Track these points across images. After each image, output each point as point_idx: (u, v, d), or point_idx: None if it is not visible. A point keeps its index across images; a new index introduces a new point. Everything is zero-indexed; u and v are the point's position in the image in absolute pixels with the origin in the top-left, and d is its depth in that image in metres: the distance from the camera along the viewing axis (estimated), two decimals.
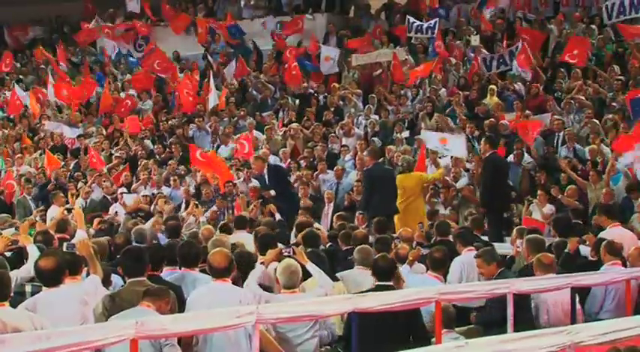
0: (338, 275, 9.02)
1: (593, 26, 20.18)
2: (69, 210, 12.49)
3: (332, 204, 16.37)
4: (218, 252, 7.50)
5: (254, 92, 22.58)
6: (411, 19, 22.09)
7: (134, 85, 23.82)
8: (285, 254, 8.20)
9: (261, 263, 8.29)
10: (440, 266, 9.04)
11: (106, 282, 7.96)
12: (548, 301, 8.39)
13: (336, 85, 21.40)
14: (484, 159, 14.46)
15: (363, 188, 15.07)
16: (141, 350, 5.73)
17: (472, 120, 17.70)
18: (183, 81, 22.65)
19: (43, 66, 26.55)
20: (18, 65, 27.54)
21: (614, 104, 16.73)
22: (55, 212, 15.08)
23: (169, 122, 21.80)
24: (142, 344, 5.99)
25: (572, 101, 17.09)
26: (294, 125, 19.71)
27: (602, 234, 10.40)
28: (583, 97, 17.14)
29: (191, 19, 26.48)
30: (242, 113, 21.23)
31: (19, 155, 20.96)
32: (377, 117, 19.69)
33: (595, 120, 16.13)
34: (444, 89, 20.08)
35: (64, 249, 8.40)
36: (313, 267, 8.23)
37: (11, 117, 23.96)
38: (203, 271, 8.39)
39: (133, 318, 5.76)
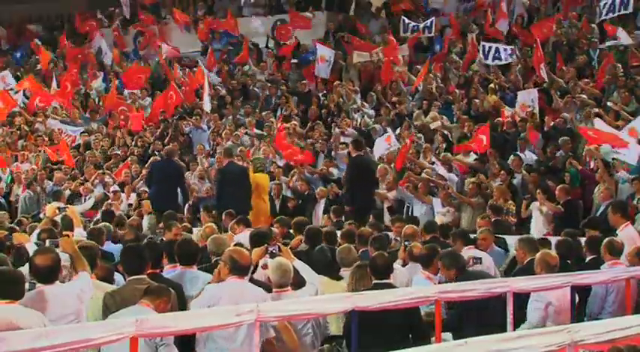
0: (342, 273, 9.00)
1: (593, 25, 20.13)
2: (60, 209, 12.42)
3: (323, 201, 16.48)
4: (242, 250, 7.50)
5: (255, 90, 22.61)
6: (406, 20, 22.12)
7: (125, 84, 23.91)
8: (273, 252, 8.17)
9: None
10: (428, 263, 9.02)
11: (110, 280, 7.94)
12: (552, 301, 8.35)
13: (337, 83, 21.42)
14: (350, 160, 15.17)
15: (215, 186, 15.84)
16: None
17: (471, 118, 17.72)
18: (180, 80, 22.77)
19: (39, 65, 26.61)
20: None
21: (609, 103, 16.64)
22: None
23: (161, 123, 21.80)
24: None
25: (573, 99, 17.03)
26: (291, 123, 19.73)
27: (620, 236, 10.34)
28: (585, 96, 17.08)
29: (190, 17, 26.53)
30: (246, 109, 21.35)
31: (21, 152, 20.98)
32: (372, 112, 19.71)
33: (598, 119, 15.93)
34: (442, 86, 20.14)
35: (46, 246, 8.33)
36: (300, 264, 8.17)
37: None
38: (202, 269, 8.40)
39: (131, 317, 5.73)
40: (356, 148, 14.98)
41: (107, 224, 11.95)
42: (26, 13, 29.99)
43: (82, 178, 19.04)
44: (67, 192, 17.49)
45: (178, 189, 16.28)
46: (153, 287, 6.85)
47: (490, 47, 19.80)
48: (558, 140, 15.66)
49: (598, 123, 14.56)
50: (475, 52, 20.37)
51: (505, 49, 19.53)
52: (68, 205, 14.20)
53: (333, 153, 18.33)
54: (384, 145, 16.83)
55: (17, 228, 11.95)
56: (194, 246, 8.69)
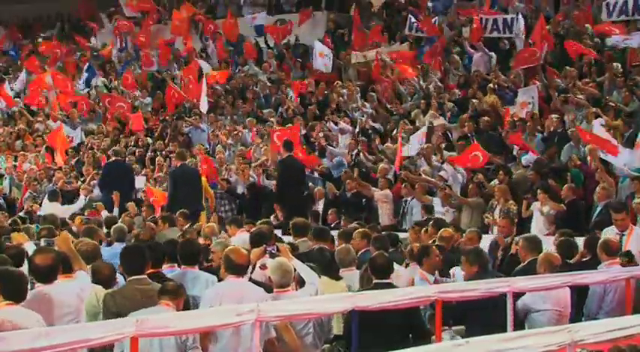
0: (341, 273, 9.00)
1: (587, 25, 20.06)
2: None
3: (322, 201, 16.46)
4: (239, 249, 7.50)
5: (256, 90, 22.62)
6: (412, 19, 22.11)
7: (124, 85, 23.94)
8: (272, 252, 8.17)
9: None
10: (421, 261, 9.01)
11: (111, 281, 7.93)
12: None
13: (338, 83, 21.42)
14: (279, 162, 15.86)
15: (168, 187, 16.11)
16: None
17: (472, 118, 17.71)
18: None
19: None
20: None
21: (610, 103, 16.60)
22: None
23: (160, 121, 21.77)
24: (167, 345, 6.23)
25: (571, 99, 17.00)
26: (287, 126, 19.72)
27: (631, 237, 10.36)
28: (582, 97, 17.02)
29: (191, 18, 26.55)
30: (245, 109, 21.32)
31: (22, 153, 20.99)
32: (372, 111, 19.73)
33: (598, 123, 15.83)
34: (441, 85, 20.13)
35: (42, 245, 8.34)
36: (299, 264, 8.18)
37: (9, 113, 24.05)
38: (203, 269, 8.40)
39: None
40: (286, 149, 15.59)
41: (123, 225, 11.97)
42: (26, 13, 30.01)
43: (82, 179, 19.08)
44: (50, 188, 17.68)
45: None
46: (170, 286, 6.84)
47: (487, 19, 19.69)
48: (555, 141, 15.69)
49: (596, 128, 14.56)
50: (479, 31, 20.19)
51: (505, 20, 19.40)
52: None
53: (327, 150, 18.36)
54: (416, 144, 16.70)
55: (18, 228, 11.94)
56: (197, 246, 8.70)
